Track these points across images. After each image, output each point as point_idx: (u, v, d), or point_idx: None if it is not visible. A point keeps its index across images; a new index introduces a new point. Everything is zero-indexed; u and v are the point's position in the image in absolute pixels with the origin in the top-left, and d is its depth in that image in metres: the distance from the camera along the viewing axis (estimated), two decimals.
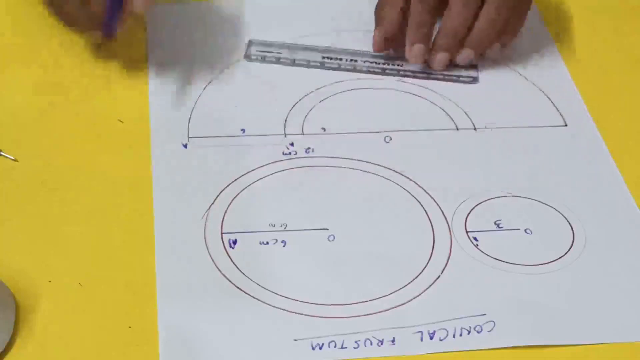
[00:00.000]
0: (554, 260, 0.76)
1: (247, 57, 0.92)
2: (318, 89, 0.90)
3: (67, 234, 0.76)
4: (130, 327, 0.70)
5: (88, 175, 0.80)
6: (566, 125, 0.87)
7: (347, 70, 0.91)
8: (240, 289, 0.73)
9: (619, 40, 0.96)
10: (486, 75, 0.92)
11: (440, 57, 0.89)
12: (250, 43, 0.93)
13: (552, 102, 0.89)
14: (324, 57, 0.92)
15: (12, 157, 0.81)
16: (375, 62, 0.92)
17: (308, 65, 0.91)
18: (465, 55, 0.89)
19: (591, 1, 1.01)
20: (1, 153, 0.81)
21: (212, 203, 0.79)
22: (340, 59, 0.92)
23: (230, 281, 0.73)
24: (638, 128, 0.88)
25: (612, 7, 1.00)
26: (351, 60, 0.92)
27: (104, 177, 0.80)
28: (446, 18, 0.88)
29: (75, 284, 0.72)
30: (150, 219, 0.77)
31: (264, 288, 0.73)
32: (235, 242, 0.76)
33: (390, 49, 0.92)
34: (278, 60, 0.92)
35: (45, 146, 0.82)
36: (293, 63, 0.92)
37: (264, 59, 0.92)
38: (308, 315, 0.71)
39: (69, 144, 0.83)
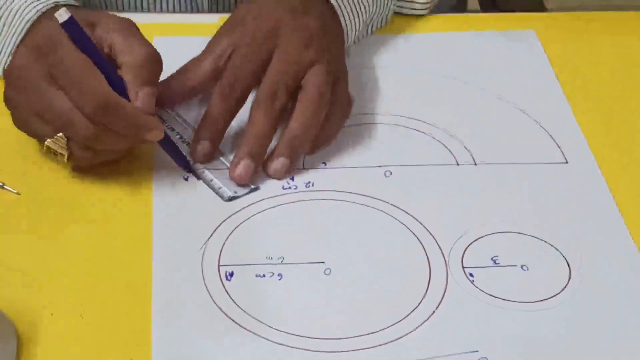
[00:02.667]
0: (549, 298, 0.76)
1: None
2: None
3: (69, 266, 0.76)
4: (131, 359, 0.70)
5: (90, 208, 0.81)
6: (567, 163, 0.87)
7: None
8: (235, 322, 0.73)
9: (623, 77, 0.97)
10: (487, 111, 0.92)
11: (244, 165, 0.83)
12: None
13: (553, 138, 0.90)
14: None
15: (15, 191, 0.81)
16: None
17: None
18: (279, 163, 0.84)
19: (595, 38, 1.01)
20: (4, 186, 0.82)
21: (211, 235, 0.79)
22: None
23: (225, 314, 0.74)
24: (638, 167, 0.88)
25: (616, 45, 1.00)
26: None
27: (106, 209, 0.81)
28: (248, 125, 0.84)
29: (77, 316, 0.73)
30: (151, 252, 0.78)
31: (259, 321, 0.73)
32: (232, 274, 0.76)
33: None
34: None
35: (48, 179, 0.83)
36: None
37: None
38: (302, 349, 0.72)
39: (71, 177, 0.83)
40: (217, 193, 0.82)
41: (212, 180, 0.83)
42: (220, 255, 0.78)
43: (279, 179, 0.84)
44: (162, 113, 0.87)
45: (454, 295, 0.76)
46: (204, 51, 0.87)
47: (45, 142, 0.79)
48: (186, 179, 0.84)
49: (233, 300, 0.75)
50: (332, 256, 0.78)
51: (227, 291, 0.75)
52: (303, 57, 0.84)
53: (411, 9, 1.02)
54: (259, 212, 0.82)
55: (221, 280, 0.76)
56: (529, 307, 0.75)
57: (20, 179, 0.82)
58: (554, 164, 0.87)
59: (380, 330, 0.73)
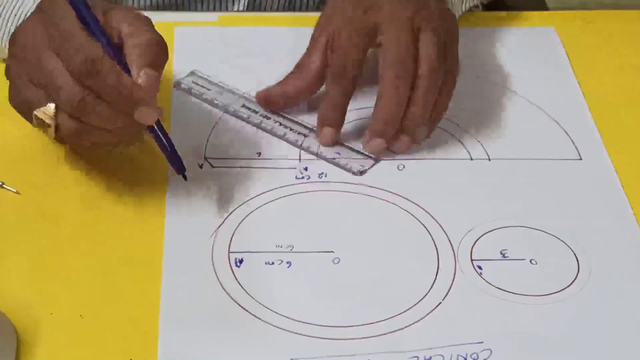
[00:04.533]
0: (556, 292, 0.76)
1: (177, 84, 0.92)
2: None
3: (68, 266, 0.76)
4: (131, 359, 0.71)
5: (90, 208, 0.81)
6: (581, 159, 0.87)
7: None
8: (244, 308, 0.74)
9: (620, 86, 0.96)
10: (503, 107, 0.92)
11: (377, 143, 0.85)
12: (191, 73, 0.94)
13: (568, 135, 0.90)
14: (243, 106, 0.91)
15: (14, 190, 0.82)
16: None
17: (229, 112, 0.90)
18: (403, 143, 0.86)
19: (614, 33, 1.01)
20: (3, 186, 0.82)
21: (223, 222, 0.80)
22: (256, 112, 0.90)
23: (234, 300, 0.74)
24: None
25: (636, 41, 1.00)
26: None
27: (106, 210, 0.81)
28: (379, 102, 0.85)
29: (77, 316, 0.73)
30: (156, 253, 0.78)
31: (267, 308, 0.74)
32: (241, 261, 0.77)
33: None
34: (201, 96, 0.92)
35: (47, 178, 0.83)
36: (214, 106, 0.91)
37: (190, 91, 0.92)
38: (307, 335, 0.72)
39: (70, 176, 0.83)
40: (345, 169, 0.85)
41: (334, 158, 0.85)
42: (230, 242, 0.79)
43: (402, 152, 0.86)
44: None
45: (461, 287, 0.76)
46: (309, 46, 0.88)
47: (34, 111, 0.76)
48: (201, 166, 0.85)
49: (242, 287, 0.75)
50: (341, 246, 0.79)
51: (236, 277, 0.76)
52: (410, 24, 0.85)
53: None
54: (272, 201, 0.82)
55: (230, 266, 0.77)
56: (536, 300, 0.76)
57: (20, 179, 0.82)
58: (568, 160, 0.87)
59: (387, 319, 0.74)
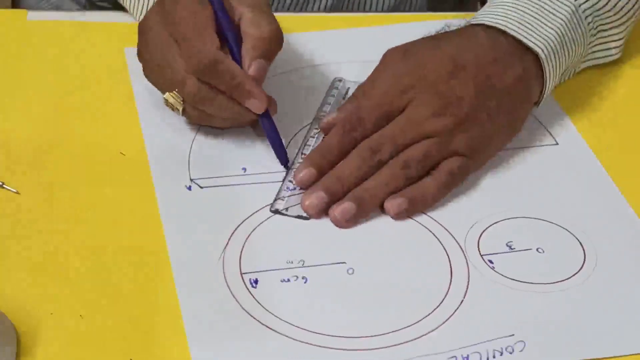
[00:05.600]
0: (569, 277, 0.78)
1: None
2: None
3: (68, 266, 0.76)
4: (131, 359, 0.70)
5: (89, 208, 0.80)
6: (557, 144, 0.89)
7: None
8: (267, 327, 0.73)
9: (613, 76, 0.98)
10: None
11: (305, 173, 0.82)
12: None
13: (540, 122, 0.91)
14: None
15: (14, 190, 0.81)
16: None
17: None
18: (344, 207, 0.80)
19: None
20: (3, 186, 0.81)
21: (227, 244, 0.78)
22: None
23: (256, 319, 0.73)
24: (626, 139, 0.90)
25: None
26: None
27: (105, 209, 0.80)
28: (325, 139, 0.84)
29: (77, 316, 0.72)
30: (154, 253, 0.77)
31: (290, 324, 0.73)
32: (256, 281, 0.76)
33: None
34: None
35: (47, 178, 0.82)
36: None
37: None
38: (334, 348, 0.72)
39: (70, 176, 0.83)
40: (275, 198, 0.82)
41: (285, 189, 0.83)
42: (240, 262, 0.77)
43: (343, 226, 0.80)
44: None
45: (478, 284, 0.77)
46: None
47: (164, 95, 0.84)
48: (189, 189, 0.83)
49: (262, 306, 0.74)
50: (352, 256, 0.78)
51: (255, 298, 0.75)
52: (426, 125, 0.82)
53: (605, 56, 0.96)
54: (271, 217, 0.81)
55: (247, 288, 0.75)
56: (552, 287, 0.77)
57: (20, 178, 0.82)
58: (545, 146, 0.89)
59: (411, 325, 0.74)
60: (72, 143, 0.86)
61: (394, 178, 0.81)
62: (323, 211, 0.80)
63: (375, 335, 0.73)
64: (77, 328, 0.71)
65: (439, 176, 0.82)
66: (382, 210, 0.81)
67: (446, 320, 0.74)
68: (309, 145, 0.86)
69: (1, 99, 0.87)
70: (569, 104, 0.93)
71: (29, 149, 0.85)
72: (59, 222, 0.79)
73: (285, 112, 0.88)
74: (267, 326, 0.73)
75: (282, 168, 0.85)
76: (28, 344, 0.70)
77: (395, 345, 0.72)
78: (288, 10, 1.06)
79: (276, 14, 0.85)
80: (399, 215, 0.80)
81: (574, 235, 0.81)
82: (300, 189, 0.82)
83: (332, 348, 0.72)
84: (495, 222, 0.82)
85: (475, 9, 1.04)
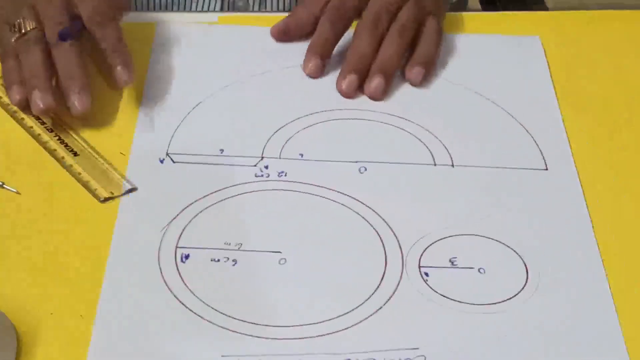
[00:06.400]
0: (500, 302, 0.76)
1: None
2: (307, 115, 0.91)
3: (68, 266, 0.76)
4: None
5: (89, 208, 0.81)
6: (547, 170, 0.86)
7: None
8: (183, 304, 0.74)
9: (619, 86, 0.95)
10: (474, 113, 0.92)
11: (351, 80, 0.92)
12: None
13: (537, 144, 0.89)
14: None
15: (14, 190, 0.82)
16: None
17: None
18: (376, 83, 0.92)
19: (595, 44, 0.99)
20: (3, 186, 0.82)
21: (175, 217, 0.80)
22: None
23: (174, 295, 0.75)
24: (620, 181, 0.86)
25: (614, 50, 0.99)
26: None
27: (105, 209, 0.81)
28: (354, 42, 0.93)
29: (77, 316, 0.73)
30: None
31: (205, 303, 0.74)
32: (187, 256, 0.77)
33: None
34: None
35: (47, 178, 0.83)
36: None
37: None
38: (239, 332, 0.72)
39: (70, 176, 0.84)
40: (93, 194, 0.82)
41: (88, 182, 0.83)
42: (180, 237, 0.79)
43: (378, 98, 0.92)
44: None
45: (405, 293, 0.76)
46: None
47: None
48: (162, 161, 0.85)
49: (183, 282, 0.75)
50: (290, 247, 0.79)
51: (179, 273, 0.76)
52: None
53: None
54: (228, 198, 0.82)
55: (176, 262, 0.77)
56: (479, 309, 0.75)
57: (20, 178, 0.83)
58: (534, 170, 0.86)
59: (327, 320, 0.74)
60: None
61: (400, 45, 0.93)
62: (357, 89, 0.92)
63: (279, 326, 0.73)
64: (77, 328, 0.72)
65: (432, 37, 0.95)
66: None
67: (357, 323, 0.74)
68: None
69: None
70: (575, 130, 0.90)
71: (29, 149, 0.85)
72: (59, 222, 0.80)
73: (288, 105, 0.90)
74: (180, 301, 0.74)
75: (258, 153, 0.86)
76: (28, 344, 0.71)
77: (297, 338, 0.72)
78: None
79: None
80: (421, 82, 0.93)
81: (524, 262, 0.79)
82: None
83: (233, 331, 0.73)
84: (448, 237, 0.80)
85: (475, 9, 1.03)
